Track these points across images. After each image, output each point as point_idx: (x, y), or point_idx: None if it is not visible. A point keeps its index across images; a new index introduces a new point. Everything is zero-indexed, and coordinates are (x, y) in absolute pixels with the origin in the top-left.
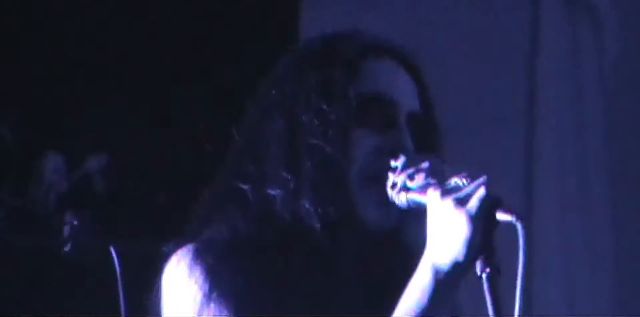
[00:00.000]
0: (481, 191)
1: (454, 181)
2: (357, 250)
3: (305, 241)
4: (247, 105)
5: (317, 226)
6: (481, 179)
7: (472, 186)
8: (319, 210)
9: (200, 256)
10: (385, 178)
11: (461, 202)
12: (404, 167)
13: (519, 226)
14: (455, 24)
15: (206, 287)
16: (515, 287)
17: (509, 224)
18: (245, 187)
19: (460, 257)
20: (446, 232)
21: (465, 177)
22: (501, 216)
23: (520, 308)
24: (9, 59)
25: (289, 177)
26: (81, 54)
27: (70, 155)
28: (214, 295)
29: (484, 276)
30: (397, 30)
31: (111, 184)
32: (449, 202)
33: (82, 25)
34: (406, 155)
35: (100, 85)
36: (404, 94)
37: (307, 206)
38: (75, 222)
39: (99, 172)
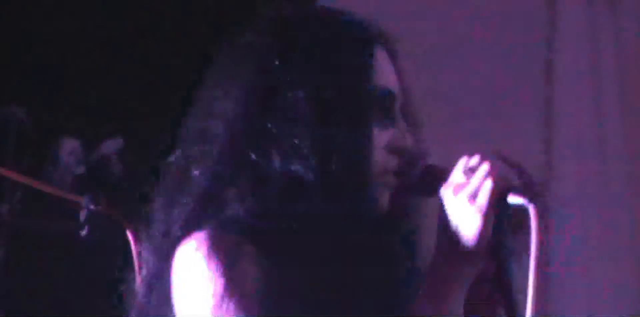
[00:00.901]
0: (488, 184)
1: (460, 174)
2: (372, 237)
3: (327, 226)
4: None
5: (340, 210)
6: (486, 166)
7: (480, 177)
8: (341, 196)
9: (218, 245)
10: (390, 174)
11: (473, 196)
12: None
13: (530, 209)
14: (472, 7)
15: (224, 281)
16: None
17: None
18: (261, 161)
19: (475, 250)
20: (462, 228)
21: (471, 169)
22: (513, 200)
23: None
24: (27, 46)
25: (313, 158)
26: (97, 40)
27: (86, 138)
28: (232, 290)
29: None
30: (412, 13)
31: (127, 166)
32: (462, 198)
33: (99, 12)
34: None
35: (118, 69)
36: (396, 85)
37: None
38: (92, 207)
39: (115, 155)
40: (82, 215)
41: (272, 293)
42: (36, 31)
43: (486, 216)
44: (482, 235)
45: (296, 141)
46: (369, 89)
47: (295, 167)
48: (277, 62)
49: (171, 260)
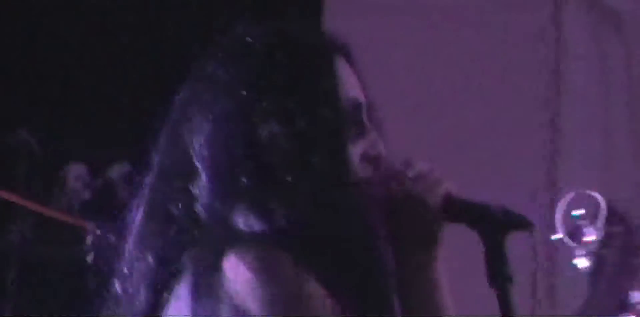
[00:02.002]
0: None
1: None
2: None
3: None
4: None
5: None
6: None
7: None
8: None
9: (272, 261)
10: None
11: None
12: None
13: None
14: (479, 26)
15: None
16: None
17: None
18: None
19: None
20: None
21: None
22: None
23: None
24: (37, 74)
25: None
26: (103, 67)
27: (92, 164)
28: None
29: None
30: (417, 29)
31: (133, 191)
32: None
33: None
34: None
35: (124, 95)
36: (360, 95)
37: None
38: (98, 232)
39: (121, 180)
40: (89, 240)
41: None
42: (45, 60)
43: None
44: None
45: (279, 173)
46: (340, 103)
47: (286, 200)
48: (244, 93)
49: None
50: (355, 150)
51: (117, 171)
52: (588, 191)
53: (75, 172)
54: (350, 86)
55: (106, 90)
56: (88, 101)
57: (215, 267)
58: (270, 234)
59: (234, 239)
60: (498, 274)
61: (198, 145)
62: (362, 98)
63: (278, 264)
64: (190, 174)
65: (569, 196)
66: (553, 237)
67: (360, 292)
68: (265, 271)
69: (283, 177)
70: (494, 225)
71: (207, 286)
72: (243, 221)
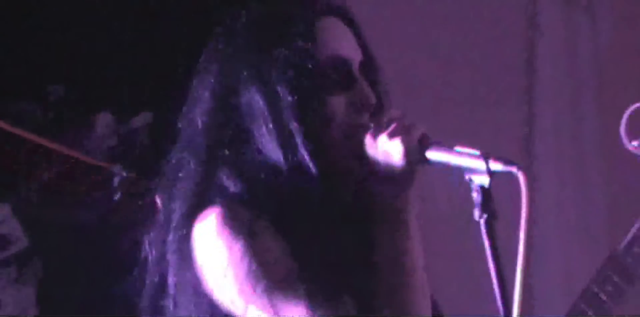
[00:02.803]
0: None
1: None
2: (345, 197)
3: (309, 200)
4: (199, 81)
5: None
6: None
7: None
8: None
9: (235, 218)
10: (360, 132)
11: (390, 135)
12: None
13: (520, 176)
14: (459, 12)
15: (246, 250)
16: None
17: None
18: (235, 154)
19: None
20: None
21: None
22: (498, 167)
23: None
24: (66, 30)
25: (279, 142)
26: (130, 28)
27: (119, 113)
28: (256, 258)
29: (481, 221)
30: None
31: (156, 139)
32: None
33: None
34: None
35: (151, 48)
36: (352, 49)
37: (304, 160)
38: (124, 174)
39: (145, 128)
40: (115, 181)
41: (286, 261)
42: (79, 21)
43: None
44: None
45: (259, 131)
46: (313, 62)
47: (266, 153)
48: (229, 63)
49: (182, 243)
50: (339, 100)
51: (140, 120)
52: None
53: (103, 121)
54: (337, 45)
55: (133, 51)
56: (116, 57)
57: (189, 223)
58: (244, 194)
59: (212, 197)
60: (484, 211)
61: (199, 112)
62: (352, 55)
63: (235, 221)
64: (194, 137)
65: (632, 107)
66: (629, 145)
67: (328, 257)
68: (222, 226)
69: (258, 140)
70: (479, 165)
71: (181, 240)
72: (224, 180)
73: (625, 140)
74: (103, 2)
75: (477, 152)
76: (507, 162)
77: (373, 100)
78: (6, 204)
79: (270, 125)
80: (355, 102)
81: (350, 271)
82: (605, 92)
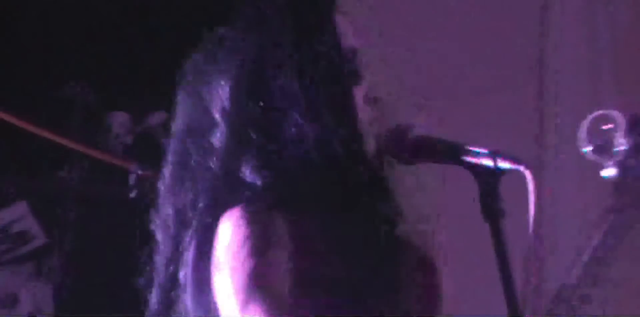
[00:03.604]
0: None
1: None
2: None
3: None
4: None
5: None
6: None
7: None
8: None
9: (253, 216)
10: (374, 127)
11: None
12: None
13: (527, 174)
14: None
15: (260, 244)
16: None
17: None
18: (262, 140)
19: None
20: None
21: None
22: (506, 165)
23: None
24: (86, 35)
25: (308, 130)
26: (145, 30)
27: (135, 112)
28: (267, 252)
29: (489, 219)
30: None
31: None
32: None
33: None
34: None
35: (163, 55)
36: (355, 42)
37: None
38: (140, 172)
39: (159, 127)
40: (132, 179)
41: (300, 257)
42: (95, 23)
43: None
44: None
45: (292, 120)
46: (341, 54)
47: (295, 142)
48: (258, 54)
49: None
50: (358, 95)
51: (155, 118)
52: (609, 111)
53: (120, 119)
54: (345, 36)
55: (147, 50)
56: (131, 58)
57: (211, 218)
58: (270, 189)
59: (236, 194)
60: (491, 209)
61: (220, 103)
62: (357, 45)
63: (257, 222)
64: (210, 129)
65: (593, 115)
66: (583, 149)
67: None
68: (243, 225)
69: (289, 132)
70: (490, 166)
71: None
72: (249, 174)
73: (581, 145)
74: (121, 6)
75: (486, 151)
76: (514, 160)
77: (381, 94)
78: (24, 201)
79: (306, 115)
80: (367, 95)
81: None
82: (623, 84)
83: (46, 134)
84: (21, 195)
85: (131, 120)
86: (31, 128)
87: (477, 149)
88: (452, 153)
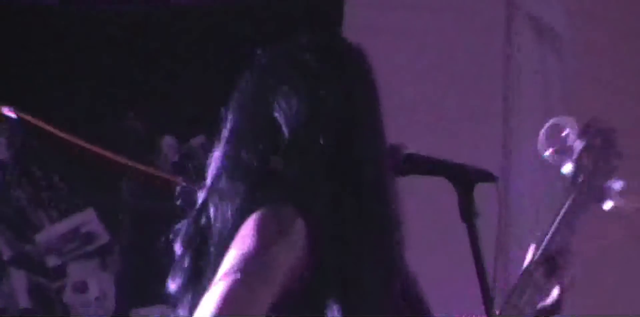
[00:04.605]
0: None
1: None
2: None
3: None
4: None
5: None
6: None
7: None
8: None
9: (276, 217)
10: None
11: None
12: None
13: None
14: (440, 44)
15: (268, 248)
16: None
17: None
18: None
19: None
20: None
21: None
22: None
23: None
24: (141, 67)
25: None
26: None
27: (180, 136)
28: (267, 258)
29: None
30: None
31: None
32: None
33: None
34: None
35: (204, 85)
36: None
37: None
38: (184, 184)
39: (201, 148)
40: (178, 190)
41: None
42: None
43: None
44: None
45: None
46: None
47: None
48: (323, 80)
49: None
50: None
51: (197, 141)
52: (563, 117)
53: (168, 142)
54: None
55: (190, 82)
56: (175, 89)
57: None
58: (306, 193)
59: (265, 198)
60: (468, 212)
61: (284, 106)
62: None
63: (274, 223)
64: (269, 133)
65: (549, 123)
66: (544, 154)
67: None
68: (257, 224)
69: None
70: (466, 178)
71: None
72: (294, 175)
73: (541, 149)
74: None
75: (463, 165)
76: (485, 174)
77: None
78: (91, 208)
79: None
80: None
81: None
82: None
83: (109, 155)
84: (89, 203)
85: (177, 143)
86: (97, 150)
87: (456, 164)
88: (436, 168)
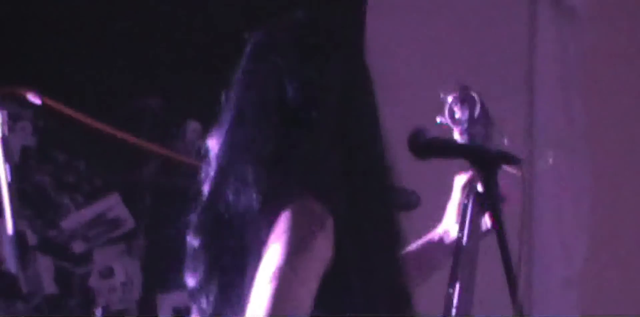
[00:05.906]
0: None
1: None
2: None
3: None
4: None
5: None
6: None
7: None
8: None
9: (311, 214)
10: None
11: None
12: None
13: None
14: (464, 24)
15: (305, 244)
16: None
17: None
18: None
19: None
20: None
21: None
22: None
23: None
24: (159, 53)
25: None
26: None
27: (205, 121)
28: (307, 252)
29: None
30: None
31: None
32: None
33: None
34: None
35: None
36: None
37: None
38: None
39: None
40: (200, 174)
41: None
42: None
43: None
44: None
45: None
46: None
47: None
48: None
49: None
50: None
51: None
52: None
53: (191, 127)
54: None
55: (216, 66)
56: (200, 73)
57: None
58: (327, 189)
59: (299, 189)
60: (491, 195)
61: (294, 85)
62: None
63: (309, 218)
64: (279, 113)
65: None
66: (437, 119)
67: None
68: (294, 221)
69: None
70: (489, 160)
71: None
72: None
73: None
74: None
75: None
76: (509, 157)
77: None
78: (116, 193)
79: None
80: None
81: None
82: (591, 90)
83: (132, 138)
84: (114, 188)
85: (201, 128)
86: (121, 134)
87: (478, 146)
88: (458, 151)
